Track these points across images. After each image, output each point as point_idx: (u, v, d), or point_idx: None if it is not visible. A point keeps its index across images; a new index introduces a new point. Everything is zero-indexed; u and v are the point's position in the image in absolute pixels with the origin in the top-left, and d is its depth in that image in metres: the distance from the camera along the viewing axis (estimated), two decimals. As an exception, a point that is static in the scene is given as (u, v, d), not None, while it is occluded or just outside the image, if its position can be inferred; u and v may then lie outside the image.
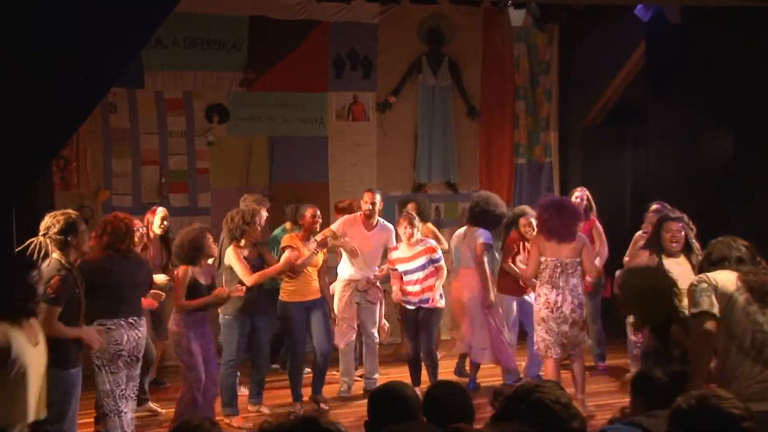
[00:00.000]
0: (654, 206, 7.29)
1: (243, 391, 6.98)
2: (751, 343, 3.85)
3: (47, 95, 3.74)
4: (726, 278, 3.97)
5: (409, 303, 7.05)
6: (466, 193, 9.40)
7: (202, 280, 6.08)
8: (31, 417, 4.12)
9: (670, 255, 5.87)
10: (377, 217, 7.30)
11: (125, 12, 3.71)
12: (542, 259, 6.56)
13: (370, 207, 7.20)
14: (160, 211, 7.37)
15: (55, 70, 3.69)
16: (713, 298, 3.89)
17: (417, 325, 7.07)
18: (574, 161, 10.06)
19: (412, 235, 6.94)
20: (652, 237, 6.05)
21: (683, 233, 5.93)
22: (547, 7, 9.49)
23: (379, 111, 9.43)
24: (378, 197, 7.27)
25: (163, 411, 6.80)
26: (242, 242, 6.58)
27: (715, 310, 3.86)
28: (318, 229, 7.00)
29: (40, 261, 4.79)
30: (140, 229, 6.76)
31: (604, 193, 7.64)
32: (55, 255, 4.89)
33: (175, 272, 6.18)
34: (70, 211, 5.08)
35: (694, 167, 8.24)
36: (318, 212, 6.99)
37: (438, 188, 9.60)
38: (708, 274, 4.00)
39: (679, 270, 5.65)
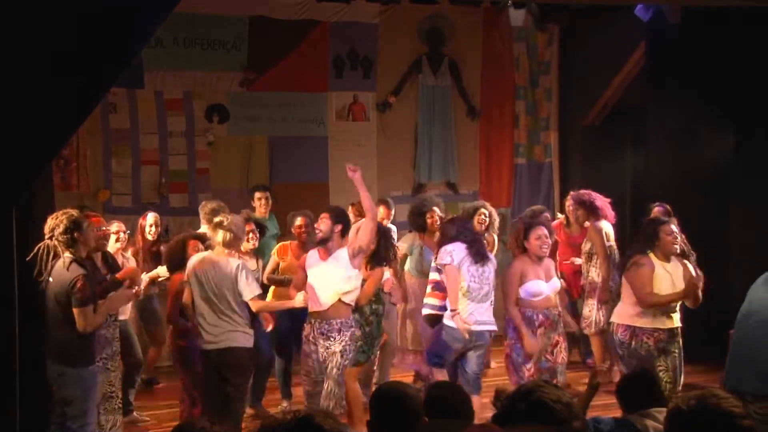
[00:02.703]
0: (657, 208, 7.29)
1: None
2: (468, 288, 5.90)
3: (47, 95, 3.73)
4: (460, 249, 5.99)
5: None
6: (467, 193, 9.40)
7: None
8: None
9: (666, 259, 5.71)
10: None
11: (125, 12, 3.70)
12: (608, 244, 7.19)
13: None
14: (150, 217, 7.20)
15: (55, 70, 3.69)
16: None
17: None
18: (574, 161, 10.07)
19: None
20: (646, 241, 5.76)
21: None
22: (547, 7, 9.50)
23: (379, 111, 9.43)
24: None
25: (147, 418, 6.73)
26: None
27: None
28: (306, 239, 6.90)
29: (50, 264, 4.87)
30: (122, 234, 6.58)
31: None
32: (67, 255, 4.92)
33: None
34: (69, 210, 5.09)
35: (694, 167, 8.24)
36: (307, 222, 6.89)
37: (438, 188, 9.58)
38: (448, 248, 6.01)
39: (677, 272, 5.67)
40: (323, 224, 5.86)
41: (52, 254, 4.90)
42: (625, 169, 9.72)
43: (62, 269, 4.89)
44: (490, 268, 6.11)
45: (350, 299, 5.83)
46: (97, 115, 8.21)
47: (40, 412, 5.05)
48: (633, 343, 5.65)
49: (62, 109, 3.83)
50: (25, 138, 3.78)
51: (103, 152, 8.52)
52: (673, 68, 8.30)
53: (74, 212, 5.05)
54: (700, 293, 5.71)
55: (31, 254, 4.83)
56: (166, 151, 8.73)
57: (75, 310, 4.88)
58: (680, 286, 5.66)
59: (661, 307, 5.64)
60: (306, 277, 5.93)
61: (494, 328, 6.14)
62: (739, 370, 4.96)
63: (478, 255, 6.03)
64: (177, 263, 5.92)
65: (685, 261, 5.87)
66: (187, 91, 8.76)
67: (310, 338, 5.84)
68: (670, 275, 5.67)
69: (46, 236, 4.93)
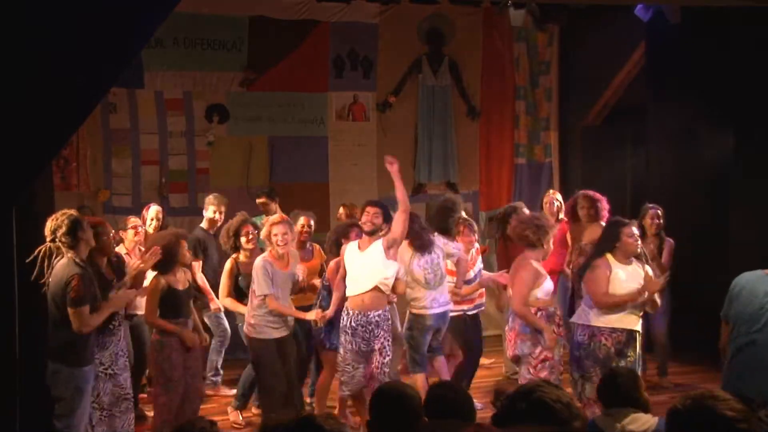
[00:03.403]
0: (651, 210, 7.29)
1: (227, 392, 7.14)
2: (425, 279, 6.33)
3: (47, 95, 3.73)
4: (404, 247, 6.26)
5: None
6: (467, 193, 9.40)
7: (179, 286, 5.70)
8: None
9: (626, 260, 5.72)
10: None
11: (125, 12, 3.70)
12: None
13: None
14: (152, 210, 7.30)
15: (55, 70, 3.69)
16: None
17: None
18: (574, 161, 10.06)
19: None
20: (606, 243, 5.80)
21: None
22: (547, 7, 9.49)
23: (379, 111, 9.43)
24: None
25: (151, 414, 6.59)
26: (240, 255, 6.49)
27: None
28: (308, 238, 6.92)
29: (51, 265, 4.86)
30: (140, 228, 6.74)
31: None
32: (69, 255, 4.92)
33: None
34: (67, 210, 5.08)
35: (694, 167, 8.24)
36: (309, 223, 6.91)
37: (438, 188, 9.58)
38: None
39: (636, 275, 5.71)
40: (377, 219, 6.05)
41: (54, 256, 4.90)
42: (625, 169, 9.72)
43: (59, 269, 4.89)
44: (438, 252, 6.44)
45: (387, 288, 6.02)
46: (97, 115, 8.22)
47: (40, 412, 5.06)
48: (591, 344, 5.64)
49: (62, 109, 3.83)
50: (25, 138, 3.78)
51: (103, 152, 8.52)
52: (673, 68, 8.30)
53: (72, 212, 5.05)
54: (657, 297, 5.78)
55: (31, 257, 4.83)
56: (166, 151, 8.74)
57: (69, 310, 4.87)
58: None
59: (619, 307, 5.63)
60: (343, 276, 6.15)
61: (451, 306, 6.54)
62: (745, 377, 4.94)
63: (422, 246, 6.35)
64: (169, 264, 5.70)
65: (646, 266, 5.89)
66: (187, 91, 8.77)
67: (347, 329, 5.99)
68: (628, 277, 5.67)
69: (48, 239, 4.91)
